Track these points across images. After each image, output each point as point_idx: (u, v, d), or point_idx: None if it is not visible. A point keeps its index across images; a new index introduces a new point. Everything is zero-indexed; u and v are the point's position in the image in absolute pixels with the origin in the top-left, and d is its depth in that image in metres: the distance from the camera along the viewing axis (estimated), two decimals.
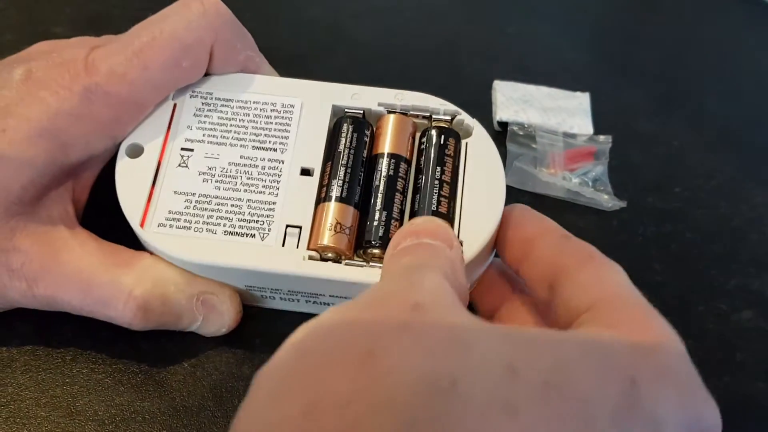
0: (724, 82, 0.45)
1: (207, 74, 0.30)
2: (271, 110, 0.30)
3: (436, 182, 0.28)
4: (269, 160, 0.29)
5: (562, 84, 0.41)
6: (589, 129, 0.39)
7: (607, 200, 0.36)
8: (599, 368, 0.19)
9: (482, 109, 0.40)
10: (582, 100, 0.41)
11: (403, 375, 0.18)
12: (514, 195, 0.35)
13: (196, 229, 0.28)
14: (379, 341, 0.19)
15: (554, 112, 0.39)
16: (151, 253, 0.28)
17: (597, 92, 0.41)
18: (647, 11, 0.50)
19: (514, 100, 0.40)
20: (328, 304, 0.29)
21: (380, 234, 0.28)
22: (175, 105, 0.30)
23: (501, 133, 0.39)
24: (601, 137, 0.39)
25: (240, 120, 0.30)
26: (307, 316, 0.30)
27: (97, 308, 0.27)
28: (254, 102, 0.30)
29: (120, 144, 0.29)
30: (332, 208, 0.28)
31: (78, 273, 0.27)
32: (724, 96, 0.44)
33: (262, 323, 0.31)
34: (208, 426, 0.28)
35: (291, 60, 0.40)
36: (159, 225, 0.28)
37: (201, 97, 0.30)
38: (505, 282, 0.29)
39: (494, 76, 0.41)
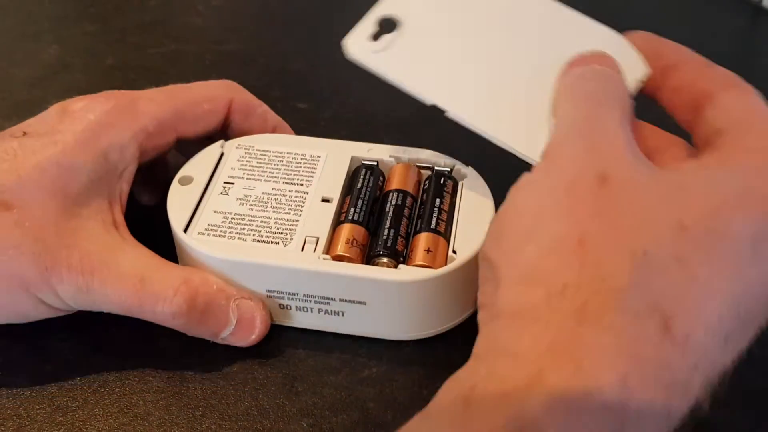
0: None
1: (231, 125, 0.36)
2: (301, 158, 0.35)
3: (435, 209, 0.32)
4: (296, 191, 0.33)
5: None
6: None
7: None
8: (744, 204, 0.23)
9: None
10: None
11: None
12: None
13: (229, 237, 0.31)
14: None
15: None
16: None
17: None
18: (652, 18, 0.51)
19: None
20: (338, 313, 0.32)
21: (388, 245, 0.31)
22: (222, 153, 0.35)
23: None
24: None
25: (275, 165, 0.35)
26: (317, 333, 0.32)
27: (147, 302, 0.30)
28: (287, 152, 0.36)
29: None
30: (348, 228, 0.32)
31: (133, 269, 0.30)
32: None
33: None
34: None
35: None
36: (198, 234, 0.31)
37: (245, 148, 0.36)
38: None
39: None
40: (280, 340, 0.33)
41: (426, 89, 0.30)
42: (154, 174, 0.37)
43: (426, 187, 0.34)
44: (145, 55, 0.47)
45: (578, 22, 0.31)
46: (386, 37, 0.31)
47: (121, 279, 0.30)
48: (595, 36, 0.30)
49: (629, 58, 0.29)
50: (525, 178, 0.25)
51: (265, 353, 0.32)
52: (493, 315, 0.23)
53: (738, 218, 0.23)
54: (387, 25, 0.31)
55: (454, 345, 0.32)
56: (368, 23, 0.31)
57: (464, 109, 0.30)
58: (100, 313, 0.33)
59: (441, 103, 0.30)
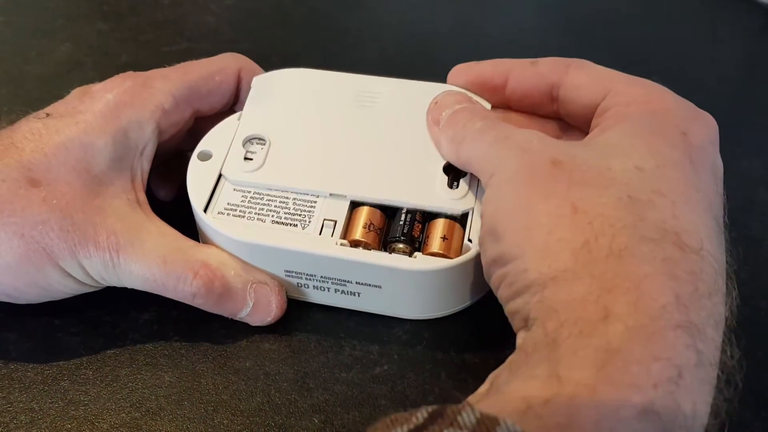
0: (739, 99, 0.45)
1: (241, 98, 0.36)
2: None
3: None
4: None
5: None
6: None
7: None
8: (664, 137, 0.27)
9: None
10: None
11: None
12: None
13: (248, 218, 0.32)
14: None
15: None
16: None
17: None
18: (664, 22, 0.51)
19: None
20: (354, 294, 0.32)
21: (404, 231, 0.31)
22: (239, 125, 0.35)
23: None
24: None
25: None
26: (335, 310, 0.32)
27: (169, 282, 0.31)
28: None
29: (189, 151, 0.34)
30: (366, 211, 0.32)
31: (156, 248, 0.31)
32: (745, 109, 0.44)
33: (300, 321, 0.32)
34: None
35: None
36: (218, 213, 0.32)
37: None
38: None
39: None
40: (292, 336, 0.33)
41: (317, 184, 0.32)
42: (172, 169, 0.37)
43: (446, 167, 0.33)
44: (158, 54, 0.48)
45: (417, 86, 0.36)
46: (257, 155, 0.33)
47: (145, 258, 0.30)
48: (434, 92, 0.34)
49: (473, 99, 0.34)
50: (487, 194, 0.28)
51: (278, 349, 0.32)
52: (534, 292, 0.25)
53: (669, 149, 0.27)
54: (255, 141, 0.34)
55: (465, 345, 0.32)
56: (236, 149, 0.34)
57: (361, 189, 0.32)
58: (112, 308, 0.33)
59: (338, 191, 0.32)
